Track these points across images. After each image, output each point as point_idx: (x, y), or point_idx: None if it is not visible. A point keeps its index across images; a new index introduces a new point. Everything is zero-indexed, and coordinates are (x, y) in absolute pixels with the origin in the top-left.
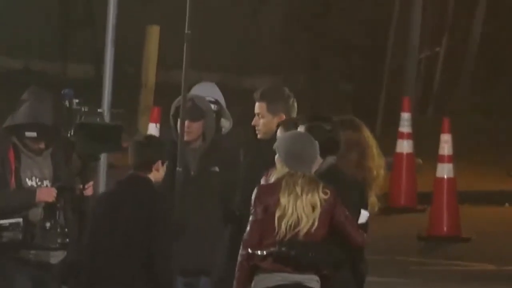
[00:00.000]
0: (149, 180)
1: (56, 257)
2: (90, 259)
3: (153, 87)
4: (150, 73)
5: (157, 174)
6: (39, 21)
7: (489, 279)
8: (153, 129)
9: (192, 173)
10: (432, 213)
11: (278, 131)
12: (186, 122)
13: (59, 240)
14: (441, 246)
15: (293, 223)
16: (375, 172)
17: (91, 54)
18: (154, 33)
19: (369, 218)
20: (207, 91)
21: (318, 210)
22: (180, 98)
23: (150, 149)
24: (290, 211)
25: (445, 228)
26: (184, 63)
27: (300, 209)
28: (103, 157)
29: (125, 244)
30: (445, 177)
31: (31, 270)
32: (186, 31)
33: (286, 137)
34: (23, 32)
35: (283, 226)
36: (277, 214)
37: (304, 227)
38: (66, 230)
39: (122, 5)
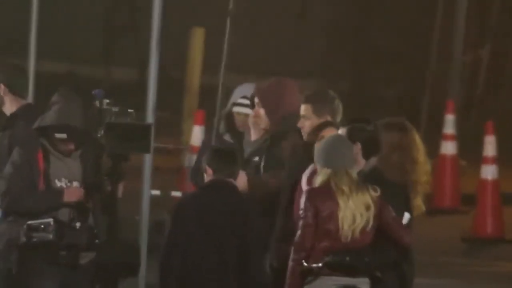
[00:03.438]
0: (236, 187)
1: (85, 257)
2: (182, 265)
3: (197, 90)
4: (195, 76)
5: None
6: (84, 25)
7: None
8: (198, 132)
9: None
10: (476, 214)
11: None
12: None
13: (88, 241)
14: (485, 247)
15: (350, 222)
16: (415, 177)
17: (136, 57)
18: (199, 35)
19: (413, 220)
20: (249, 92)
21: (372, 209)
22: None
23: (238, 157)
24: (348, 211)
25: (489, 230)
26: (226, 40)
27: (354, 208)
28: (148, 159)
29: (220, 251)
30: (489, 178)
31: (61, 270)
32: (229, 8)
33: (321, 142)
34: (67, 36)
35: (345, 227)
36: (340, 216)
37: (358, 226)
38: (96, 231)
39: (166, 8)
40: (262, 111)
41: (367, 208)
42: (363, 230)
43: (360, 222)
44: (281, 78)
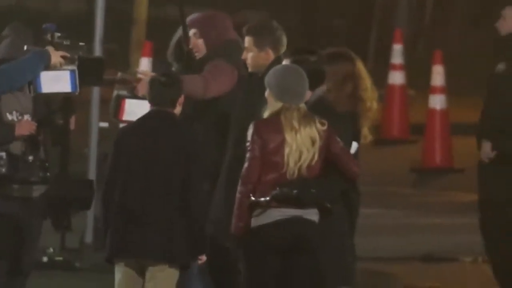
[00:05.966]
0: (176, 116)
1: (38, 190)
2: (121, 197)
3: (145, 22)
4: (142, 8)
5: (179, 108)
6: None
7: None
8: (145, 63)
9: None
10: (425, 144)
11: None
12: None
13: (41, 174)
14: (434, 177)
15: (296, 158)
16: (368, 104)
17: None
18: None
19: (361, 149)
20: None
21: (317, 143)
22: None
23: (175, 87)
24: (294, 147)
25: (438, 160)
26: None
27: (300, 143)
28: (96, 92)
29: (163, 182)
30: (438, 108)
31: (14, 204)
32: None
33: (276, 71)
34: None
35: (291, 163)
36: (286, 152)
37: (304, 161)
38: (47, 164)
39: None
40: (200, 41)
41: (313, 142)
42: (309, 165)
43: (306, 159)
44: (215, 11)
